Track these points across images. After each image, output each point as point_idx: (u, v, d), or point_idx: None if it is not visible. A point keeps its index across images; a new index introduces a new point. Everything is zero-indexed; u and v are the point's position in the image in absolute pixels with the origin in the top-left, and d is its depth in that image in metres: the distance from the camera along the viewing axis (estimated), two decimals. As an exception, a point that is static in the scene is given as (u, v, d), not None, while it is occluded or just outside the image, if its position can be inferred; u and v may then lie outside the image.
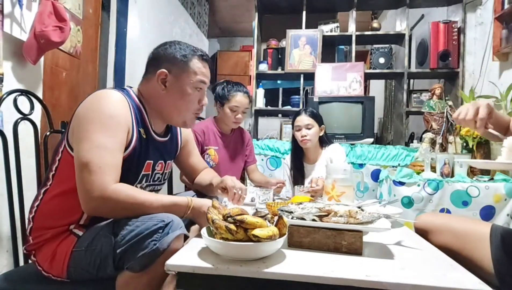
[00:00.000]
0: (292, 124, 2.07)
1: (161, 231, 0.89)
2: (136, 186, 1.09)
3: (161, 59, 1.12)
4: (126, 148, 1.03)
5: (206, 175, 1.43)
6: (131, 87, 1.17)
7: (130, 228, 0.90)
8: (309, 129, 1.98)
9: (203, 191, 1.41)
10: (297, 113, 2.05)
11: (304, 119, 1.99)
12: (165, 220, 0.90)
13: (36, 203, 1.05)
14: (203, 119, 2.22)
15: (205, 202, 1.06)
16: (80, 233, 1.01)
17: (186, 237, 0.96)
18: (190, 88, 1.12)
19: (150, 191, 1.17)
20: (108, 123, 0.98)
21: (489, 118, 1.03)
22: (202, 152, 1.95)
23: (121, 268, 0.93)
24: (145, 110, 1.13)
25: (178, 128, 1.34)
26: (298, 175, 2.05)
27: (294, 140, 2.09)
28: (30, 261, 1.05)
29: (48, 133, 1.41)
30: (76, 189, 0.96)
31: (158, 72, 1.10)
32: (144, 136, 1.10)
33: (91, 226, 1.02)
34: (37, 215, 1.04)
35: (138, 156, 1.08)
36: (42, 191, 1.06)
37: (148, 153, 1.12)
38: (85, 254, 0.96)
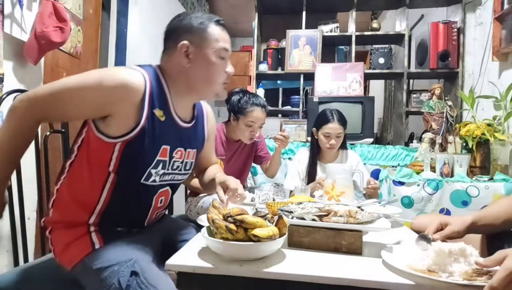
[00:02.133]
0: (317, 125, 1.98)
1: None
2: (150, 172, 1.01)
3: (179, 30, 1.04)
4: (132, 130, 0.95)
5: (211, 170, 1.33)
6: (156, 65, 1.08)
7: None
8: (339, 137, 1.93)
9: (202, 188, 1.36)
10: (327, 119, 1.94)
11: (336, 127, 1.91)
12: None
13: (63, 176, 1.03)
14: None
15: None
16: (97, 243, 0.95)
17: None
18: (214, 56, 1.04)
19: (170, 180, 1.10)
20: (103, 80, 0.92)
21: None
22: None
23: None
24: (169, 90, 1.04)
25: (205, 117, 1.24)
26: (311, 173, 2.03)
27: (313, 138, 2.03)
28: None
29: (48, 133, 1.41)
30: (98, 165, 0.97)
31: (179, 45, 1.01)
32: (162, 118, 1.00)
33: (106, 228, 0.99)
34: (61, 188, 1.02)
35: (151, 139, 0.98)
36: (68, 163, 1.03)
37: (165, 138, 1.03)
38: (94, 274, 0.90)
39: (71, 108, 0.95)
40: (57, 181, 1.05)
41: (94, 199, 1.00)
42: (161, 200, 1.11)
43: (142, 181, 1.01)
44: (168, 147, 1.04)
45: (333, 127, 1.92)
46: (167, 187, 1.12)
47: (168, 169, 1.07)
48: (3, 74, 1.59)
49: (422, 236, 0.90)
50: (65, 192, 1.02)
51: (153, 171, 1.02)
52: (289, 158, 2.59)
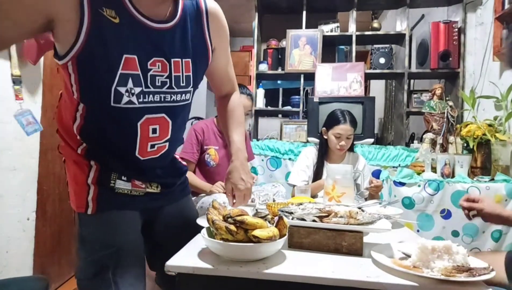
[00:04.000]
0: (328, 125, 1.97)
1: None
2: (118, 90, 0.83)
3: None
4: (76, 42, 0.77)
5: (233, 129, 1.11)
6: None
7: None
8: (349, 139, 1.93)
9: (221, 122, 1.19)
10: (338, 119, 1.92)
11: (348, 129, 1.90)
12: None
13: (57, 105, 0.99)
14: (202, 119, 2.22)
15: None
16: (91, 208, 0.90)
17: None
18: None
19: (159, 102, 0.90)
20: None
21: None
22: (202, 151, 1.95)
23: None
24: None
25: (203, 12, 0.96)
26: (317, 173, 2.02)
27: (322, 138, 2.02)
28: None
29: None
30: (67, 93, 0.88)
31: None
32: (115, 20, 0.79)
33: (104, 184, 0.91)
34: (58, 114, 0.97)
35: (102, 49, 0.79)
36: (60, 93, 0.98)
37: (125, 44, 0.82)
38: (77, 236, 0.93)
39: (6, 25, 0.74)
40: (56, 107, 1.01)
41: (71, 128, 0.91)
42: (154, 129, 0.92)
43: (112, 103, 0.84)
44: (134, 57, 0.83)
45: (344, 128, 1.91)
46: (161, 114, 0.92)
47: (147, 87, 0.87)
48: (20, 76, 1.60)
49: None
50: (58, 116, 0.97)
51: (121, 89, 0.83)
52: (289, 159, 2.58)
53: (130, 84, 0.84)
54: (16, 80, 1.61)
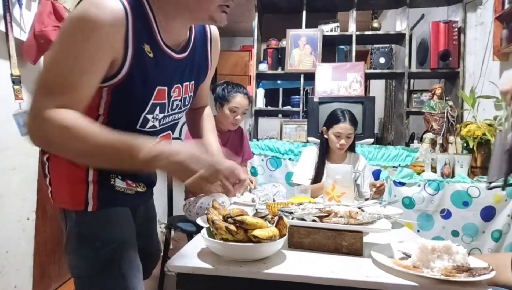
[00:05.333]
0: (328, 124, 1.98)
1: None
2: (146, 117, 0.90)
3: None
4: (118, 72, 0.81)
5: (207, 132, 1.18)
6: None
7: None
8: (349, 138, 1.93)
9: (188, 129, 1.24)
10: (338, 118, 1.93)
11: (347, 128, 1.91)
12: None
13: None
14: None
15: (181, 148, 0.75)
16: (91, 205, 0.89)
17: None
18: None
19: (170, 122, 0.99)
20: (80, 30, 0.74)
21: None
22: None
23: None
24: (154, 16, 0.85)
25: (208, 38, 1.04)
26: (318, 173, 2.02)
27: (323, 137, 2.02)
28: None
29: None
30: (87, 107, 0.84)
31: None
32: (150, 55, 0.85)
33: (104, 183, 0.91)
34: None
35: (141, 80, 0.85)
36: None
37: (158, 77, 0.88)
38: (74, 234, 0.90)
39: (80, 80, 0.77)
40: None
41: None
42: None
43: (138, 127, 0.90)
44: (165, 88, 0.91)
45: (344, 127, 1.91)
46: (168, 131, 1.02)
47: (168, 112, 0.95)
48: (19, 76, 1.60)
49: None
50: None
51: (149, 116, 0.90)
52: (289, 159, 2.58)
53: (157, 111, 0.91)
54: (16, 80, 1.61)
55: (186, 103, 1.02)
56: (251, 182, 2.02)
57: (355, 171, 1.91)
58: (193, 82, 1.01)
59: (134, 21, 0.80)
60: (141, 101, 0.88)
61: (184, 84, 0.97)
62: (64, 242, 0.93)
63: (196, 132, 1.21)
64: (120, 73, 0.81)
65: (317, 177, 1.99)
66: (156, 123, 0.93)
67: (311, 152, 2.08)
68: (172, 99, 0.94)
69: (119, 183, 0.95)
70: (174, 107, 0.97)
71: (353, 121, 1.94)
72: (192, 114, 1.23)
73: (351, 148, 2.03)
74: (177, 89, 0.95)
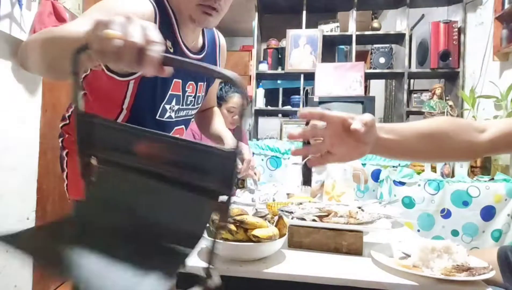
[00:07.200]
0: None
1: None
2: (165, 107, 1.00)
3: None
4: None
5: (217, 124, 1.30)
6: None
7: None
8: None
9: (200, 130, 1.35)
10: None
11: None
12: None
13: (71, 109, 1.05)
14: None
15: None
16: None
17: None
18: None
19: (184, 116, 1.10)
20: (109, 8, 0.79)
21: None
22: None
23: None
24: (175, 18, 0.95)
25: (217, 48, 1.16)
26: (307, 175, 2.02)
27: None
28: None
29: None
30: (111, 102, 0.94)
31: None
32: (171, 50, 0.95)
33: None
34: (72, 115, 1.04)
35: None
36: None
37: (176, 71, 0.98)
38: None
39: None
40: (68, 108, 1.07)
41: None
42: None
43: (157, 117, 1.00)
44: (180, 81, 1.01)
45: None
46: (182, 125, 1.12)
47: (182, 105, 1.05)
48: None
49: None
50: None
51: (167, 106, 1.00)
52: (289, 158, 2.58)
53: (173, 102, 1.01)
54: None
55: (199, 102, 1.13)
56: (255, 173, 2.01)
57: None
58: (205, 83, 1.12)
59: (160, 18, 0.90)
60: (161, 92, 0.97)
61: (199, 83, 1.08)
62: None
63: (206, 125, 1.32)
64: None
65: (305, 179, 2.00)
66: (173, 114, 1.03)
67: (297, 157, 2.10)
68: (186, 93, 1.04)
69: None
70: (188, 102, 1.07)
71: None
72: (203, 113, 1.35)
73: None
74: (191, 86, 1.05)
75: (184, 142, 0.45)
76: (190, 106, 1.09)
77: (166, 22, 0.92)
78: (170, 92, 0.99)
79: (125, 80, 0.91)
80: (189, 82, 1.04)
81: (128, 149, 0.46)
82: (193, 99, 1.09)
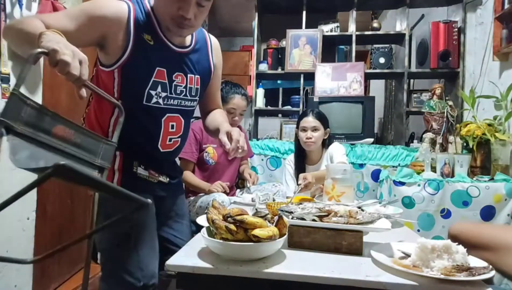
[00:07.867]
0: (297, 123, 2.03)
1: None
2: (150, 92, 1.10)
3: None
4: (123, 55, 1.03)
5: (217, 115, 1.34)
6: None
7: None
8: (314, 131, 1.94)
9: (206, 131, 1.40)
10: (304, 114, 2.01)
11: (310, 120, 1.95)
12: None
13: (87, 108, 1.18)
14: (200, 118, 2.23)
15: (56, 37, 0.86)
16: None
17: None
18: None
19: (177, 105, 1.17)
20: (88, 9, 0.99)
21: None
22: (201, 150, 1.94)
23: None
24: (155, 17, 1.10)
25: (209, 47, 1.28)
26: (298, 176, 2.02)
27: (297, 140, 2.06)
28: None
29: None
30: (104, 109, 1.10)
31: None
32: (151, 42, 1.08)
33: (128, 169, 1.11)
34: (86, 117, 1.17)
35: (142, 61, 1.06)
36: (89, 97, 1.17)
37: (157, 60, 1.09)
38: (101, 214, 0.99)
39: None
40: (84, 113, 1.21)
41: (106, 124, 1.11)
42: (172, 125, 1.17)
43: (144, 102, 1.09)
44: (164, 70, 1.11)
45: (307, 120, 1.95)
46: (177, 114, 1.18)
47: (171, 93, 1.14)
48: (9, 74, 1.59)
49: None
50: (88, 121, 1.16)
51: (152, 92, 1.09)
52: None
53: (159, 89, 1.11)
54: (4, 78, 1.59)
55: (193, 94, 1.21)
56: (250, 176, 2.01)
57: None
58: (198, 76, 1.21)
59: (136, 16, 1.05)
60: (144, 78, 1.08)
61: (189, 76, 1.18)
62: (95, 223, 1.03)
63: (212, 123, 1.35)
64: (124, 55, 1.03)
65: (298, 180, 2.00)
66: (160, 100, 1.12)
67: (289, 161, 2.12)
68: (174, 82, 1.14)
69: (141, 171, 1.14)
70: (178, 91, 1.16)
71: (319, 115, 1.97)
72: (207, 115, 1.41)
73: (326, 145, 2.02)
74: (180, 76, 1.16)
75: (84, 130, 0.75)
76: (182, 96, 1.17)
77: (147, 21, 1.07)
78: (153, 78, 1.09)
79: (110, 70, 1.06)
80: (177, 73, 1.14)
81: (46, 129, 0.65)
82: (184, 89, 1.17)
